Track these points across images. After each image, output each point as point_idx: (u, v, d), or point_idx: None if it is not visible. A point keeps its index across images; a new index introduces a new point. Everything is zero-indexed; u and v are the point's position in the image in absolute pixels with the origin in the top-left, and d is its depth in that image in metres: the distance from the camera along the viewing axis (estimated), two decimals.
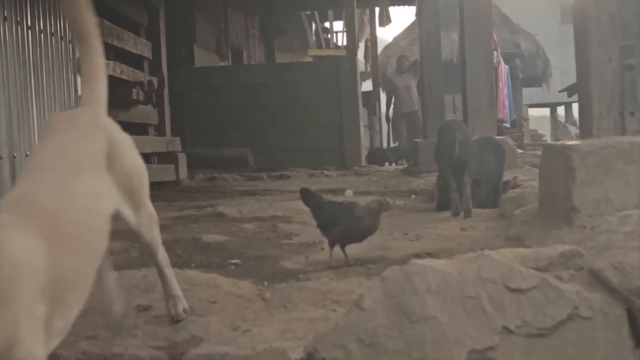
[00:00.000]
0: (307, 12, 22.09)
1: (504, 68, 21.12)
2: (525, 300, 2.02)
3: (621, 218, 2.69)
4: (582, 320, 2.02)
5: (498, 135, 7.98)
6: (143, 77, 8.17)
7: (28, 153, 5.59)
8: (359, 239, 3.66)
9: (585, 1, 3.74)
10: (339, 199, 6.62)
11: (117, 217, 2.22)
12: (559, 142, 3.68)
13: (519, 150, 11.46)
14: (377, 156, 13.83)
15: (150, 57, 8.72)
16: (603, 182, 3.23)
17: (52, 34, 6.13)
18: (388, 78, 18.90)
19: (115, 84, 7.40)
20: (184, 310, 2.51)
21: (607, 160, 3.24)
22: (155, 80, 8.42)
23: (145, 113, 8.39)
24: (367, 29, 19.35)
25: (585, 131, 3.86)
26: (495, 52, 18.08)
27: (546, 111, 40.11)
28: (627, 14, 3.70)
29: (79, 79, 6.59)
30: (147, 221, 2.37)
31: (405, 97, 15.77)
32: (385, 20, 16.89)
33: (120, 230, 4.88)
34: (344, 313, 2.09)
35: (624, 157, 3.24)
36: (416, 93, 15.55)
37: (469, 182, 5.07)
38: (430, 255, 3.54)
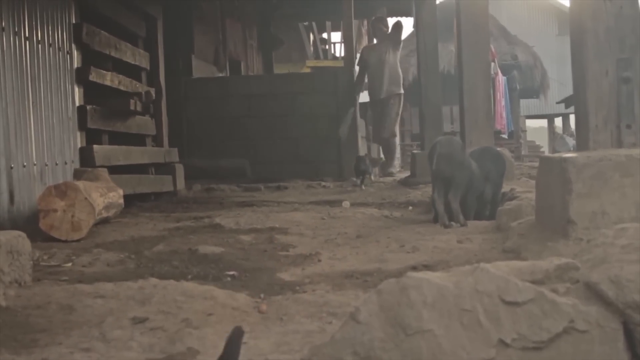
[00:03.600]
0: (305, 23, 22.15)
1: (501, 79, 21.20)
2: (521, 313, 2.01)
3: (617, 231, 2.69)
4: (578, 334, 2.02)
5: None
6: (141, 87, 8.18)
7: (25, 164, 5.59)
8: None
9: (582, 14, 3.75)
10: (336, 210, 6.63)
11: None
12: (556, 155, 3.68)
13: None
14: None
15: (148, 68, 8.73)
16: (599, 195, 3.24)
17: (49, 45, 6.14)
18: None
19: (112, 95, 7.43)
20: None
21: (603, 172, 3.24)
22: (153, 91, 8.42)
23: (143, 124, 8.39)
24: (365, 40, 19.37)
25: (581, 143, 3.86)
26: (492, 64, 18.15)
27: (544, 122, 40.22)
28: (623, 27, 3.71)
29: (77, 89, 6.61)
30: None
31: (378, 76, 12.20)
32: None
33: (117, 242, 4.92)
34: (339, 326, 2.09)
35: (621, 169, 3.24)
36: (399, 70, 12.35)
37: (456, 198, 5.14)
38: (426, 267, 3.55)
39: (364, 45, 19.55)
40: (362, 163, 9.99)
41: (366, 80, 12.69)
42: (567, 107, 27.70)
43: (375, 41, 13.22)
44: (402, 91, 12.39)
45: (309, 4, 16.91)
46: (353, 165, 10.20)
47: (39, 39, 5.97)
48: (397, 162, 18.32)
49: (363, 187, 9.57)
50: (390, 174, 12.37)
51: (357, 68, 13.10)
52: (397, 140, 14.19)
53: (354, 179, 10.20)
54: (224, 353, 1.94)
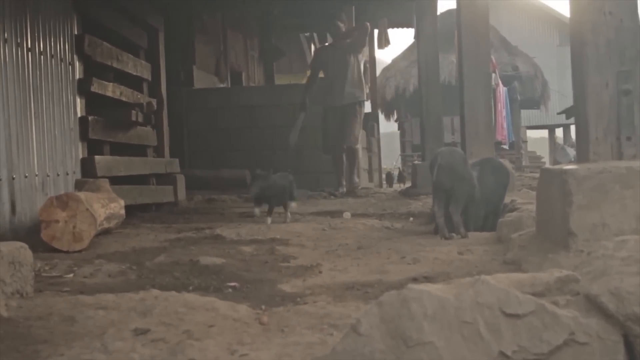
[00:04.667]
0: (306, 34, 22.18)
1: (502, 90, 21.26)
2: (521, 325, 2.02)
3: (618, 243, 2.70)
4: (578, 346, 2.02)
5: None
6: (142, 98, 8.20)
7: (27, 175, 5.60)
8: None
9: (582, 27, 3.77)
10: (337, 221, 6.64)
11: None
12: (556, 167, 3.69)
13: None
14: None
15: (150, 79, 8.76)
16: (600, 207, 3.24)
17: (52, 56, 6.16)
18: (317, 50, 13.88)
19: (114, 106, 7.45)
20: None
21: (604, 184, 3.25)
22: (154, 101, 8.45)
23: (144, 134, 8.41)
24: (366, 51, 19.39)
25: (582, 155, 3.87)
26: (493, 75, 18.21)
27: (544, 133, 40.27)
28: (623, 39, 3.72)
29: (78, 100, 6.62)
30: None
31: (339, 79, 10.62)
32: (384, 42, 16.88)
33: (118, 253, 4.92)
34: (340, 337, 2.09)
35: (621, 181, 3.25)
36: (362, 75, 10.96)
37: (457, 210, 5.14)
38: (427, 279, 3.55)
39: (363, 53, 19.57)
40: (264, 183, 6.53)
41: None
42: (568, 117, 27.75)
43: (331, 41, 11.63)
44: (365, 98, 11.10)
45: (310, 15, 16.94)
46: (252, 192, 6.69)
47: (41, 50, 5.99)
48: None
49: (269, 220, 6.51)
50: (356, 186, 11.02)
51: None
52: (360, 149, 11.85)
53: (257, 210, 6.68)
54: None
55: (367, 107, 17.26)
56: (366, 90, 11.34)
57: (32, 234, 5.24)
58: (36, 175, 5.77)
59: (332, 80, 10.74)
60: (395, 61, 28.41)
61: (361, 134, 11.33)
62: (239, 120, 12.64)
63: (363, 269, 4.09)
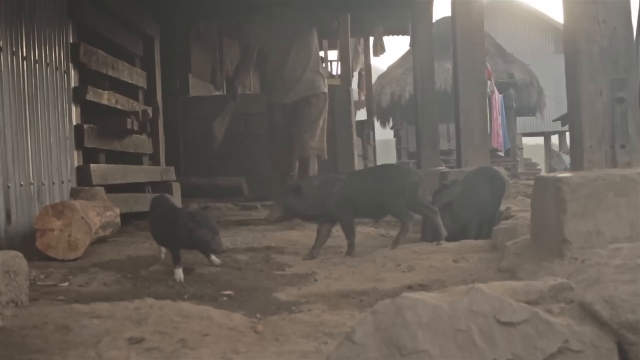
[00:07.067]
0: None
1: (498, 97, 21.27)
2: (516, 333, 2.02)
3: (612, 251, 2.71)
4: (572, 354, 2.03)
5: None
6: (138, 106, 8.19)
7: (22, 183, 5.60)
8: None
9: (576, 35, 3.78)
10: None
11: None
12: (551, 174, 3.70)
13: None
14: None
15: (145, 87, 8.75)
16: (594, 215, 3.25)
17: (47, 64, 6.16)
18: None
19: (110, 114, 7.45)
20: None
21: (598, 192, 3.26)
22: (150, 109, 8.44)
23: (140, 142, 8.41)
24: (362, 59, 19.43)
25: (576, 163, 3.88)
26: (489, 82, 18.25)
27: (540, 140, 40.34)
28: (617, 48, 3.74)
29: (74, 108, 6.62)
30: None
31: (284, 66, 7.80)
32: (380, 49, 16.90)
33: (113, 261, 4.91)
34: (335, 346, 2.09)
35: (615, 189, 3.26)
36: (319, 58, 8.17)
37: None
38: (422, 287, 3.55)
39: (359, 61, 19.56)
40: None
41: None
42: (563, 124, 27.83)
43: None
44: (326, 89, 8.12)
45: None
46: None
47: (37, 58, 5.99)
48: None
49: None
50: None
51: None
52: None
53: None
54: None
55: (363, 114, 17.29)
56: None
57: (27, 243, 5.24)
58: (31, 184, 5.77)
59: (279, 65, 7.86)
60: (390, 68, 28.44)
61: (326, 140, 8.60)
62: (235, 128, 12.60)
63: (358, 277, 4.09)
